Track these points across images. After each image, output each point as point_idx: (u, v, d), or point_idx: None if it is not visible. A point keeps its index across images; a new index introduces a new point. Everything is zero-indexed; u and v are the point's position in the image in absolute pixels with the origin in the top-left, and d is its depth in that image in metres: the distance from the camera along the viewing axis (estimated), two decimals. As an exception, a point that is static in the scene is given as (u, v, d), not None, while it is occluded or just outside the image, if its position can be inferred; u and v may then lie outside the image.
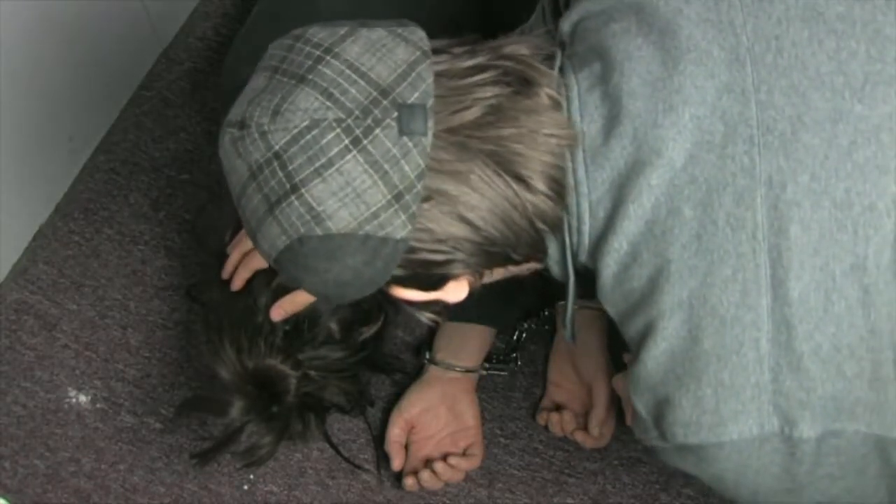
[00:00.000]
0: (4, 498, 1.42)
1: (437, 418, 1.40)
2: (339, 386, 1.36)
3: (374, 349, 1.40)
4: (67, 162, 1.59)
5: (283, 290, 1.26)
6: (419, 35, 0.93)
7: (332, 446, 1.41)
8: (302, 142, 0.88)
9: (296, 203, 0.89)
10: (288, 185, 0.89)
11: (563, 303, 1.40)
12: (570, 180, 0.94)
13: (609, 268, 0.94)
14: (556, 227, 0.95)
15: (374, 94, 0.89)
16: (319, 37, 0.92)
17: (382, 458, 1.42)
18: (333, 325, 1.31)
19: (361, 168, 0.88)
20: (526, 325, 1.47)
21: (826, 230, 0.88)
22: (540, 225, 0.94)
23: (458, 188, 0.90)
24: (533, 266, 1.01)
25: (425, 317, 1.01)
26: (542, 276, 1.04)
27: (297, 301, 1.26)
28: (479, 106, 0.91)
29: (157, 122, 1.63)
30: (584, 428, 1.39)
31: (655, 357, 0.93)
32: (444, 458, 1.38)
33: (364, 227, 0.89)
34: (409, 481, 1.38)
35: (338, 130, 0.88)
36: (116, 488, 1.43)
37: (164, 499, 1.43)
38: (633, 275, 0.93)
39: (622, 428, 1.39)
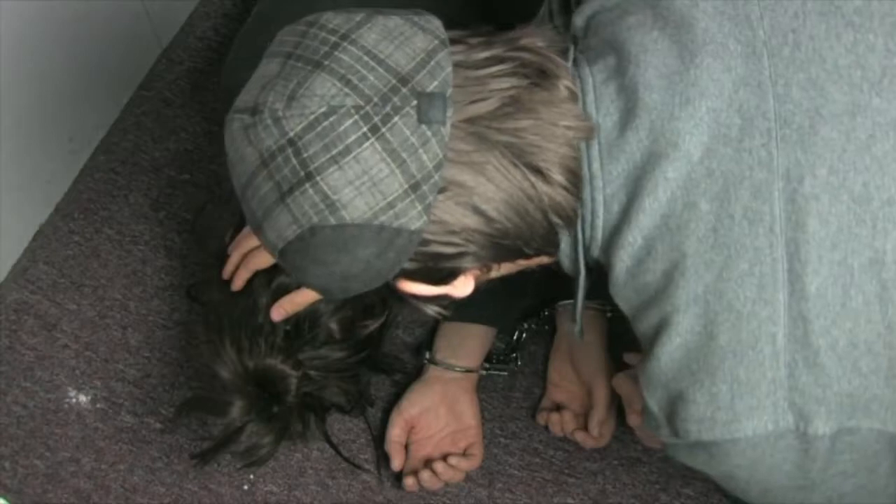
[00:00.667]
0: (4, 498, 1.42)
1: (437, 418, 1.40)
2: (340, 386, 1.36)
3: (374, 349, 1.40)
4: (67, 162, 1.59)
5: (284, 290, 1.26)
6: (436, 24, 0.92)
7: (332, 446, 1.41)
8: (318, 128, 0.86)
9: (310, 191, 0.87)
10: (302, 173, 0.87)
11: (564, 302, 1.41)
12: (585, 173, 0.93)
13: (622, 262, 0.93)
14: (571, 220, 0.94)
15: (393, 81, 0.87)
16: (335, 23, 0.90)
17: (382, 458, 1.42)
18: (334, 325, 1.31)
19: (379, 156, 0.86)
20: (526, 325, 1.47)
21: (844, 224, 0.88)
22: (554, 218, 0.93)
23: (474, 179, 0.89)
24: (543, 261, 1.00)
25: (432, 310, 1.00)
26: (546, 273, 1.04)
27: (297, 301, 1.26)
28: (496, 97, 0.90)
29: (157, 122, 1.63)
30: (584, 428, 1.39)
31: (669, 353, 0.92)
32: (444, 458, 1.38)
33: (379, 217, 0.87)
34: (409, 481, 1.38)
35: (356, 117, 0.86)
36: (116, 488, 1.43)
37: (164, 499, 1.43)
38: (647, 269, 0.92)
39: (622, 428, 1.39)
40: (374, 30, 0.89)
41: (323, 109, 0.87)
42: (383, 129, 0.86)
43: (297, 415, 1.33)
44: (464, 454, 1.39)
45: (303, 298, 1.25)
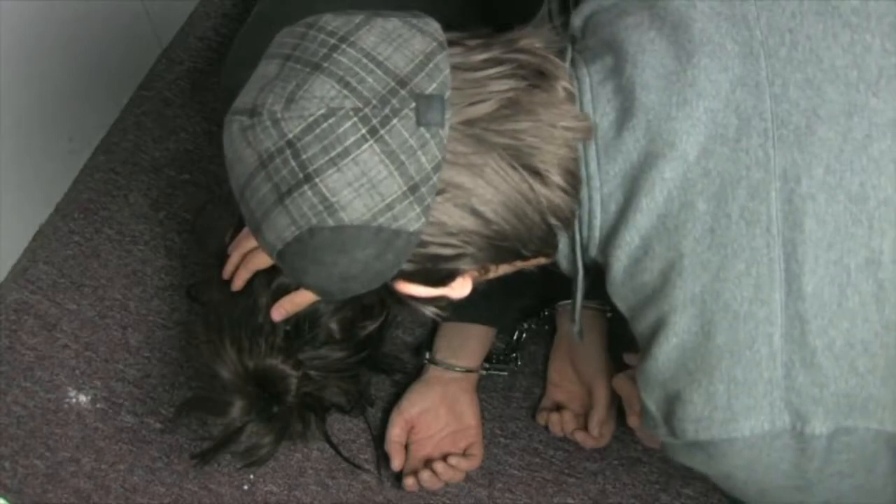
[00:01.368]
0: (4, 498, 1.42)
1: (437, 418, 1.40)
2: (340, 386, 1.36)
3: (374, 349, 1.40)
4: (67, 162, 1.59)
5: (284, 291, 1.26)
6: (434, 26, 0.92)
7: (332, 446, 1.41)
8: (317, 130, 0.86)
9: (308, 193, 0.87)
10: (301, 175, 0.87)
11: (564, 302, 1.41)
12: (583, 174, 0.93)
13: (620, 262, 0.93)
14: (569, 222, 0.94)
15: (392, 83, 0.87)
16: (334, 25, 0.90)
17: (382, 458, 1.42)
18: (334, 325, 1.31)
19: (378, 158, 0.87)
20: (526, 325, 1.47)
21: (841, 224, 0.88)
22: (552, 221, 0.93)
23: (473, 181, 0.89)
24: (541, 262, 1.00)
25: (430, 311, 1.00)
26: (546, 273, 1.04)
27: (297, 301, 1.25)
28: (495, 99, 0.90)
29: (157, 122, 1.63)
30: (584, 428, 1.39)
31: (667, 352, 0.92)
32: (444, 458, 1.38)
33: (378, 218, 0.87)
34: (409, 481, 1.38)
35: (355, 119, 0.86)
36: (116, 488, 1.43)
37: (164, 499, 1.43)
38: (644, 269, 0.93)
39: (622, 428, 1.39)
40: (372, 32, 0.89)
41: (322, 111, 0.87)
42: (382, 132, 0.87)
43: (297, 415, 1.33)
44: (464, 454, 1.39)
45: (303, 299, 1.25)
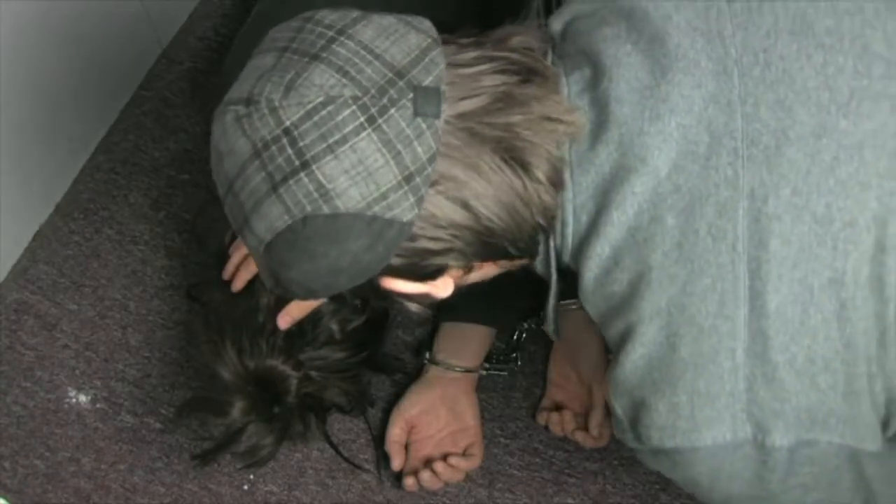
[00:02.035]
0: (4, 498, 1.42)
1: (437, 418, 1.40)
2: (340, 386, 1.36)
3: (374, 349, 1.40)
4: (67, 162, 1.59)
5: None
6: (428, 24, 0.93)
7: (332, 446, 1.41)
8: (316, 117, 0.87)
9: (305, 180, 0.87)
10: (297, 162, 0.87)
11: (564, 302, 1.41)
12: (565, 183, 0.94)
13: (591, 271, 0.95)
14: (552, 222, 0.95)
15: (390, 74, 0.88)
16: (331, 19, 0.91)
17: (382, 458, 1.42)
18: (335, 326, 1.32)
19: (375, 147, 0.87)
20: (526, 325, 1.47)
21: (806, 244, 0.89)
22: (539, 219, 0.94)
23: (466, 174, 0.90)
24: (522, 263, 1.01)
25: (414, 308, 1.00)
26: (530, 274, 1.04)
27: (304, 306, 1.26)
28: (487, 93, 0.91)
29: (157, 122, 1.63)
30: (584, 428, 1.39)
31: (633, 361, 0.93)
32: (445, 458, 1.38)
33: (372, 207, 0.88)
34: (409, 481, 1.38)
35: (354, 108, 0.87)
36: (116, 488, 1.43)
37: (164, 499, 1.43)
38: (614, 279, 0.94)
39: (622, 428, 1.39)
40: (369, 27, 0.91)
41: (321, 99, 0.87)
42: (380, 121, 0.87)
43: (297, 415, 1.33)
44: (464, 454, 1.39)
45: (308, 304, 1.26)
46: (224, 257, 1.34)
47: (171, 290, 1.53)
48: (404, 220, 0.89)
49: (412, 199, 0.88)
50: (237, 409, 1.28)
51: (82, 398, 1.48)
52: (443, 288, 0.98)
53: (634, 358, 0.93)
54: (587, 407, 1.40)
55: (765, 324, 0.89)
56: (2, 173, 1.45)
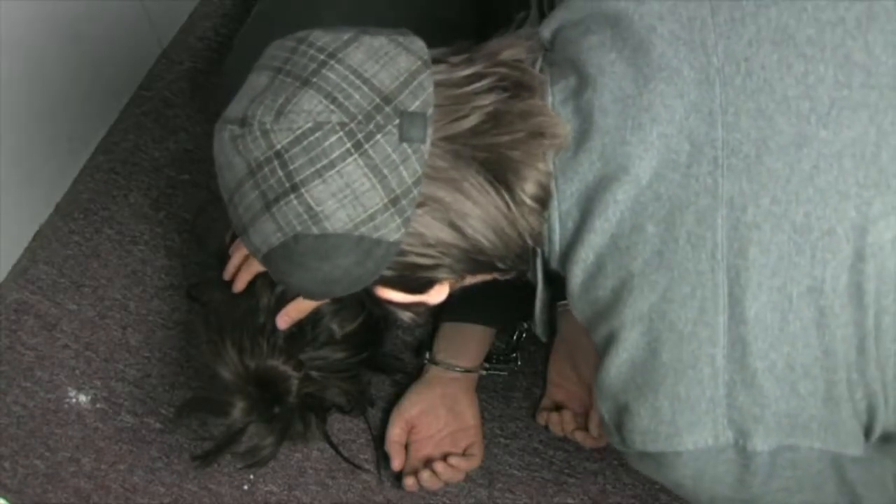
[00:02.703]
0: (4, 498, 1.42)
1: (437, 418, 1.40)
2: (340, 386, 1.36)
3: (374, 349, 1.40)
4: (67, 162, 1.59)
5: (287, 294, 1.27)
6: (419, 45, 0.94)
7: (333, 446, 1.41)
8: (305, 143, 0.89)
9: (294, 202, 0.90)
10: (287, 184, 0.90)
11: (564, 302, 1.41)
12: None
13: (577, 277, 0.95)
14: (541, 238, 0.96)
15: (377, 100, 0.90)
16: (323, 41, 0.93)
17: (382, 458, 1.42)
18: (335, 326, 1.32)
19: (361, 171, 0.89)
20: (526, 325, 1.47)
21: (784, 253, 0.89)
22: (528, 239, 0.95)
23: (451, 195, 0.92)
24: (515, 273, 1.02)
25: (406, 316, 1.02)
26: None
27: (302, 308, 1.26)
28: (476, 114, 0.92)
29: (157, 122, 1.63)
30: (584, 428, 1.39)
31: (617, 366, 0.94)
32: (444, 458, 1.38)
33: (360, 228, 0.90)
34: (409, 481, 1.39)
35: (341, 134, 0.89)
36: (116, 488, 1.43)
37: (164, 499, 1.43)
38: (598, 285, 0.95)
39: (622, 428, 1.39)
40: (360, 49, 0.92)
41: (309, 125, 0.89)
42: (366, 146, 0.89)
43: (298, 415, 1.33)
44: (464, 454, 1.39)
45: (307, 305, 1.26)
46: (224, 257, 1.34)
47: (171, 290, 1.53)
48: (391, 239, 0.91)
49: (398, 221, 0.91)
50: (238, 409, 1.28)
51: (82, 398, 1.48)
52: (436, 296, 1.00)
53: (618, 363, 0.94)
54: (587, 407, 1.40)
55: (744, 330, 0.90)
56: (2, 173, 1.45)
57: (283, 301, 1.27)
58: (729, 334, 0.90)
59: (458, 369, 1.41)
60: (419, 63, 0.92)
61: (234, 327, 1.29)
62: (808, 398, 0.91)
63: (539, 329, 1.08)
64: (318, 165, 0.89)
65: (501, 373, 1.47)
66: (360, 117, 0.89)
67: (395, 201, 0.90)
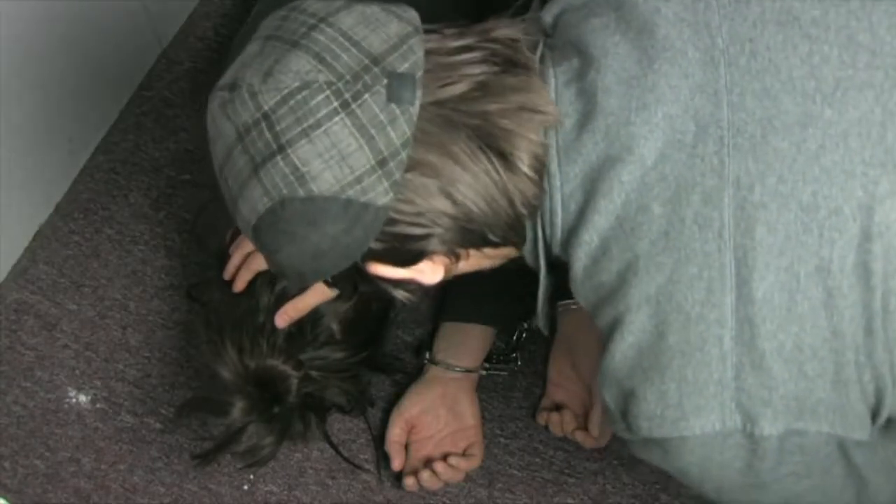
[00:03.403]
0: (4, 498, 1.42)
1: (437, 418, 1.40)
2: (340, 386, 1.36)
3: (374, 349, 1.40)
4: (67, 162, 1.59)
5: (287, 295, 1.27)
6: (412, 14, 0.95)
7: (333, 446, 1.41)
8: (291, 102, 0.89)
9: (281, 163, 0.90)
10: (275, 146, 0.90)
11: (564, 302, 1.41)
12: (547, 167, 0.95)
13: (580, 260, 0.95)
14: (534, 210, 0.96)
15: (366, 61, 0.90)
16: (315, 7, 0.94)
17: (382, 458, 1.42)
18: (335, 326, 1.32)
19: (348, 131, 0.89)
20: (526, 325, 1.47)
21: (792, 232, 0.89)
22: (520, 208, 0.95)
23: (441, 160, 0.91)
24: (510, 252, 1.01)
25: (400, 294, 1.01)
26: (529, 273, 1.05)
27: (300, 307, 1.26)
28: (466, 81, 0.92)
29: (157, 122, 1.63)
30: (584, 428, 1.39)
31: (623, 350, 0.94)
32: (444, 458, 1.38)
33: (347, 191, 0.90)
34: (409, 481, 1.39)
35: (327, 93, 0.89)
36: (116, 488, 1.43)
37: (164, 499, 1.43)
38: (602, 268, 0.94)
39: (622, 428, 1.39)
40: (351, 15, 0.92)
41: (296, 84, 0.89)
42: (353, 106, 0.89)
43: (298, 415, 1.33)
44: (464, 454, 1.39)
45: (306, 304, 1.26)
46: (224, 257, 1.34)
47: (171, 290, 1.53)
48: (379, 203, 0.90)
49: (386, 184, 0.90)
50: (237, 409, 1.28)
51: (82, 398, 1.48)
52: (430, 274, 0.98)
53: (623, 347, 0.94)
54: (587, 407, 1.40)
55: (752, 311, 0.90)
56: (2, 173, 1.45)
57: (282, 300, 1.27)
58: (737, 315, 0.90)
59: (458, 369, 1.41)
60: (410, 28, 0.93)
61: (234, 327, 1.29)
62: (816, 380, 0.91)
63: (541, 321, 1.08)
64: (305, 125, 0.89)
65: (501, 373, 1.47)
66: (347, 77, 0.89)
67: (382, 163, 0.90)
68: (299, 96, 0.89)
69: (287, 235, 0.92)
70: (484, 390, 1.45)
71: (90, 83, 1.56)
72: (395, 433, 1.40)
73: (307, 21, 0.92)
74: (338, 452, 1.41)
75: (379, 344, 1.44)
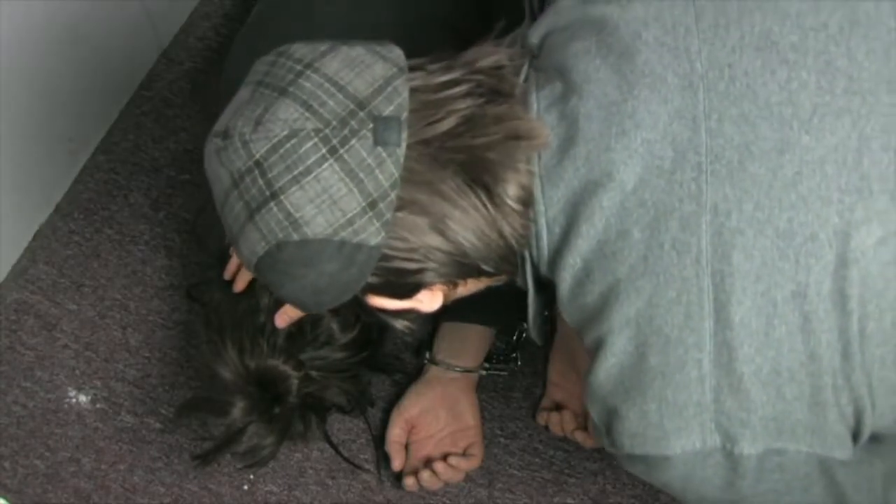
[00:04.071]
0: (4, 498, 1.42)
1: (437, 418, 1.40)
2: (340, 386, 1.36)
3: (374, 349, 1.40)
4: (67, 162, 1.59)
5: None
6: (397, 53, 0.96)
7: (333, 446, 1.41)
8: (281, 150, 0.91)
9: (275, 209, 0.91)
10: (268, 192, 0.91)
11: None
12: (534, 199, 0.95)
13: (565, 282, 0.96)
14: (525, 240, 0.97)
15: (352, 106, 0.91)
16: (301, 52, 0.95)
17: (382, 458, 1.42)
18: (335, 326, 1.32)
19: (338, 176, 0.90)
20: (526, 326, 1.46)
21: (768, 258, 0.90)
22: (510, 240, 0.96)
23: (430, 198, 0.92)
24: (505, 278, 1.03)
25: (400, 324, 1.03)
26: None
27: (300, 308, 1.26)
28: (452, 117, 0.93)
29: (157, 122, 1.63)
30: (584, 428, 1.39)
31: (606, 370, 0.95)
32: (445, 458, 1.38)
33: (339, 233, 0.91)
34: (409, 481, 1.39)
35: (315, 140, 0.91)
36: (116, 488, 1.43)
37: (164, 499, 1.43)
38: (586, 290, 0.95)
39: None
40: (336, 59, 0.94)
41: (285, 132, 0.91)
42: (341, 151, 0.90)
43: (298, 415, 1.34)
44: (464, 454, 1.39)
45: None
46: (224, 257, 1.34)
47: (171, 290, 1.53)
48: (371, 243, 0.92)
49: (377, 224, 0.91)
50: (238, 409, 1.29)
51: (82, 398, 1.48)
52: (429, 303, 1.00)
53: (607, 367, 0.95)
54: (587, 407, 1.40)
55: (729, 335, 0.90)
56: (2, 173, 1.45)
57: (282, 300, 1.27)
58: (715, 339, 0.91)
59: (458, 369, 1.41)
60: (395, 69, 0.94)
61: (234, 327, 1.29)
62: (793, 402, 0.92)
63: (534, 333, 1.09)
64: (295, 172, 0.90)
65: (501, 373, 1.47)
66: (334, 123, 0.91)
67: (372, 205, 0.91)
68: (288, 144, 0.90)
69: (287, 275, 0.94)
70: (484, 390, 1.45)
71: (90, 83, 1.56)
72: (395, 433, 1.40)
73: (294, 67, 0.94)
74: (338, 452, 1.42)
75: (379, 344, 1.44)
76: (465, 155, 0.93)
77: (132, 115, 1.64)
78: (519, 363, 1.47)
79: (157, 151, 1.61)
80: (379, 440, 1.43)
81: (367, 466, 1.43)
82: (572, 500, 1.41)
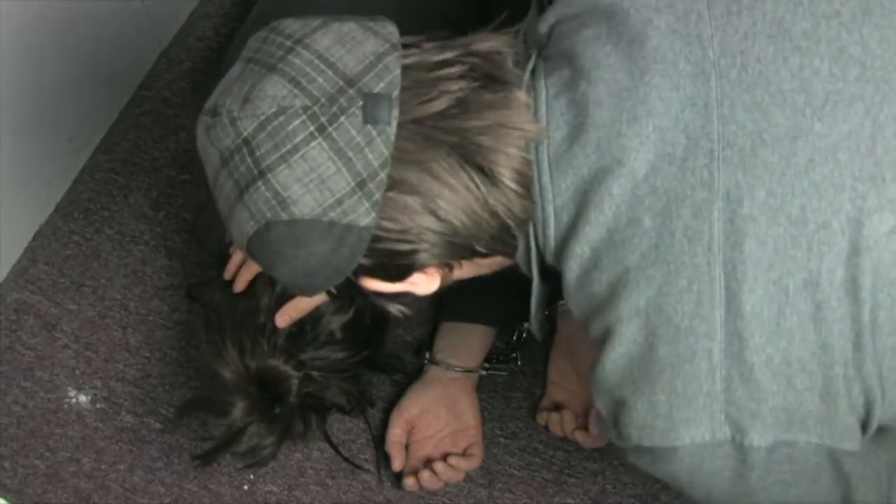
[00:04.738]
0: (4, 498, 1.42)
1: (438, 418, 1.40)
2: (341, 386, 1.36)
3: (374, 349, 1.40)
4: (67, 162, 1.59)
5: (288, 295, 1.27)
6: (390, 29, 0.94)
7: (333, 446, 1.41)
8: (269, 128, 0.90)
9: (262, 188, 0.90)
10: (256, 171, 0.90)
11: (563, 302, 1.41)
12: (536, 184, 0.95)
13: (572, 271, 0.95)
14: (523, 222, 0.96)
15: (341, 83, 0.90)
16: (292, 28, 0.93)
17: (382, 458, 1.42)
18: (336, 326, 1.32)
19: (326, 155, 0.89)
20: (526, 325, 1.47)
21: (780, 246, 0.89)
22: (505, 220, 0.95)
23: (420, 178, 0.91)
24: (502, 261, 1.02)
25: (395, 308, 1.01)
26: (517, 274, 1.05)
27: (300, 307, 1.26)
28: (444, 98, 0.92)
29: (157, 122, 1.63)
30: (584, 428, 1.39)
31: (614, 360, 0.94)
32: (445, 458, 1.38)
33: (328, 213, 0.90)
34: (409, 481, 1.39)
35: (304, 117, 0.89)
36: (116, 488, 1.43)
37: (164, 499, 1.43)
38: (594, 279, 0.94)
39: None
40: (327, 35, 0.92)
41: (273, 109, 0.90)
42: (330, 129, 0.89)
43: (298, 415, 1.33)
44: (464, 454, 1.39)
45: (306, 304, 1.26)
46: (224, 257, 1.34)
47: (171, 290, 1.53)
48: (362, 224, 0.91)
49: (367, 205, 0.90)
50: (238, 409, 1.28)
51: (82, 398, 1.48)
52: (424, 286, 0.99)
53: (614, 357, 0.94)
54: (587, 407, 1.40)
55: (741, 325, 0.90)
56: (2, 173, 1.45)
57: (283, 300, 1.27)
58: (726, 328, 0.90)
59: (458, 369, 1.41)
60: (387, 46, 0.92)
61: (235, 327, 1.29)
62: (804, 393, 0.91)
63: (535, 325, 1.08)
64: (283, 150, 0.89)
65: (501, 373, 1.47)
66: (323, 100, 0.89)
67: (361, 185, 0.90)
68: (276, 122, 0.89)
69: (277, 256, 0.93)
70: (484, 390, 1.45)
71: (90, 83, 1.56)
72: (396, 433, 1.40)
73: (284, 43, 0.92)
74: (338, 452, 1.42)
75: (379, 344, 1.44)
76: (457, 136, 0.92)
77: (132, 115, 1.64)
78: (519, 363, 1.47)
79: (157, 151, 1.61)
80: (379, 440, 1.43)
81: (367, 466, 1.43)
82: (572, 500, 1.41)
